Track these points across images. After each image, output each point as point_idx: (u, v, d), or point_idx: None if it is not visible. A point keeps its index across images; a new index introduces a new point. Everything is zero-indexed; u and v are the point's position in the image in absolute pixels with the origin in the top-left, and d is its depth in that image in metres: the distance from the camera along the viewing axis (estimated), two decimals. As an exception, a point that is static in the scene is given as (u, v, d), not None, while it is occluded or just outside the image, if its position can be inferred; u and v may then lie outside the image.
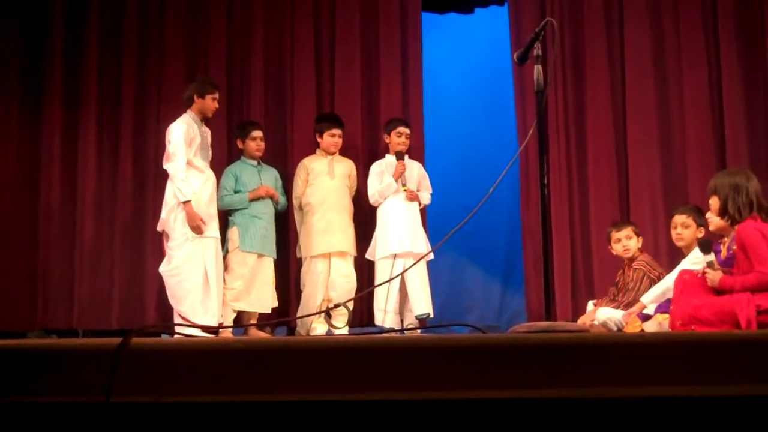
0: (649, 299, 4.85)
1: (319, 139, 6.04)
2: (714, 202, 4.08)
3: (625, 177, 6.19)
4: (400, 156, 5.91)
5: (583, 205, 6.18)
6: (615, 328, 4.89)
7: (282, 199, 5.99)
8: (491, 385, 1.64)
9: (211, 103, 5.55)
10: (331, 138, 5.99)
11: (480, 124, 7.01)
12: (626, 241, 5.24)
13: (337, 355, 1.67)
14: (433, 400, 1.65)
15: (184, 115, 5.52)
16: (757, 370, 1.62)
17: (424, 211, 6.10)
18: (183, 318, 5.27)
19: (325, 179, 5.96)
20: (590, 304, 5.36)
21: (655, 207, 6.07)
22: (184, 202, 5.35)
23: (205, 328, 4.96)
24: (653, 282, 5.05)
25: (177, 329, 4.70)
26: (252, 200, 5.80)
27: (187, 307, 5.33)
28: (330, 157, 6.03)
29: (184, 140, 5.37)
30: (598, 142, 6.19)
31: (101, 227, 6.22)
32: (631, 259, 5.22)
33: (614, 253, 5.33)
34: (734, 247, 4.06)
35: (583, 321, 5.12)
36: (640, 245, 5.27)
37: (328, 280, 5.87)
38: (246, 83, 6.40)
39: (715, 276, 4.04)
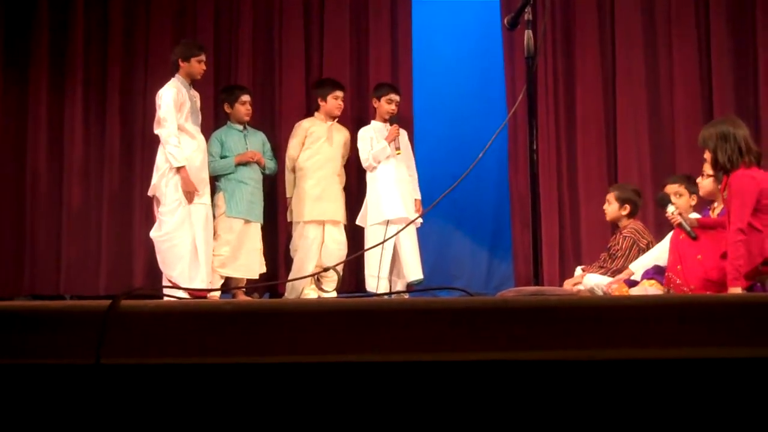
0: (637, 268, 4.88)
1: (322, 103, 5.98)
2: (707, 155, 4.05)
3: (613, 144, 6.20)
4: (393, 120, 5.92)
5: (571, 171, 6.20)
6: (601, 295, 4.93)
7: (270, 164, 5.97)
8: (480, 347, 1.65)
9: (197, 66, 5.50)
10: (335, 100, 5.96)
11: (469, 90, 6.98)
12: (606, 205, 5.31)
13: (326, 317, 1.68)
14: (421, 362, 1.65)
15: (172, 79, 5.47)
16: (742, 333, 1.63)
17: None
18: (173, 284, 5.27)
19: (324, 145, 5.94)
20: (578, 270, 5.40)
21: (642, 175, 6.09)
22: (179, 168, 5.32)
23: (192, 292, 4.96)
24: (642, 250, 5.09)
25: (165, 292, 4.71)
26: (238, 164, 5.77)
27: (178, 273, 5.33)
28: (330, 123, 6.00)
29: (174, 105, 5.33)
30: (587, 109, 6.20)
31: (88, 193, 6.19)
32: (623, 226, 5.25)
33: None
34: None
35: (569, 285, 5.16)
36: (625, 213, 5.29)
37: (321, 247, 5.88)
38: (234, 48, 6.35)
39: (692, 222, 4.17)
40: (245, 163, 5.79)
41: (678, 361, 1.63)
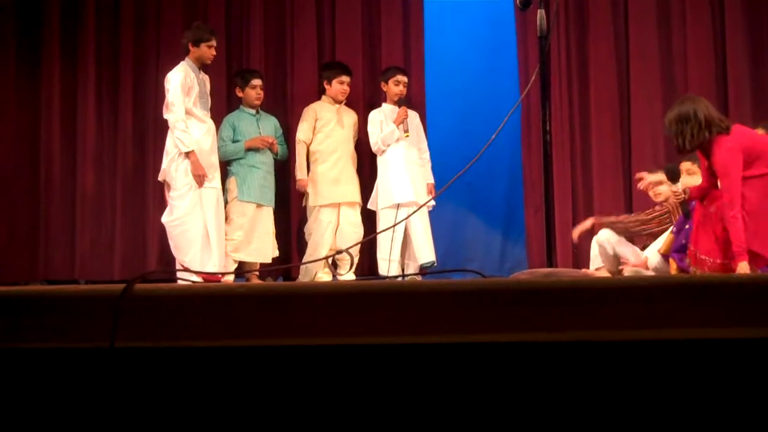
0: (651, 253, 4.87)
1: (327, 86, 5.99)
2: (677, 147, 4.01)
3: (627, 125, 6.17)
4: (402, 102, 5.90)
5: (585, 152, 6.17)
6: (610, 252, 4.94)
7: (281, 149, 5.97)
8: (493, 329, 1.65)
9: (207, 50, 5.48)
10: (340, 85, 5.95)
11: (481, 73, 6.94)
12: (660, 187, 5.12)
13: (339, 299, 1.68)
14: (435, 345, 1.65)
15: (182, 63, 5.47)
16: (754, 313, 1.63)
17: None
18: (185, 268, 5.29)
19: (336, 128, 5.94)
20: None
21: (657, 155, 6.06)
22: (187, 153, 5.33)
23: (206, 276, 4.99)
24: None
25: (180, 275, 4.73)
26: (248, 150, 5.77)
27: (190, 257, 5.35)
28: (337, 105, 6.00)
29: (182, 89, 5.33)
30: (601, 90, 6.16)
31: (102, 178, 6.22)
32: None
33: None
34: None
35: (577, 232, 5.12)
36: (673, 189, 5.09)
37: (336, 230, 5.88)
38: (246, 32, 6.34)
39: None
40: (256, 148, 5.79)
41: (692, 341, 1.63)
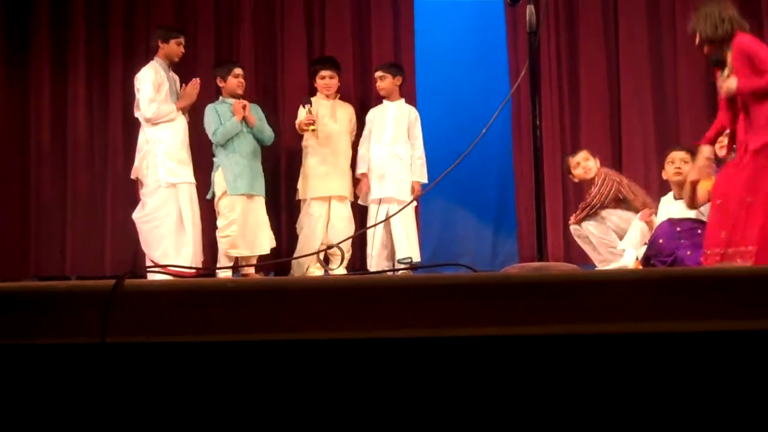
0: (630, 242, 4.89)
1: (315, 83, 5.99)
2: (698, 40, 4.02)
3: (617, 119, 6.19)
4: (306, 101, 5.82)
5: (575, 147, 6.18)
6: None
7: (262, 125, 5.88)
8: (483, 322, 1.65)
9: (176, 48, 5.58)
10: (321, 80, 5.95)
11: (471, 67, 6.95)
12: (585, 162, 5.32)
13: (330, 294, 1.68)
14: (425, 338, 1.66)
15: (151, 61, 5.56)
16: (750, 305, 1.63)
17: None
18: (154, 263, 5.32)
19: (329, 123, 5.93)
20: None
21: (647, 151, 6.09)
22: (178, 108, 5.46)
23: (200, 271, 4.99)
24: (617, 185, 5.19)
25: (168, 270, 4.73)
26: (239, 118, 5.70)
27: (160, 253, 5.38)
28: (332, 101, 5.98)
29: (153, 86, 5.42)
30: (591, 85, 6.18)
31: (92, 174, 6.22)
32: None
33: (576, 180, 5.46)
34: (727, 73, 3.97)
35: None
36: (598, 165, 5.41)
37: (327, 224, 5.88)
38: (235, 28, 6.35)
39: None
40: (238, 136, 5.72)
41: (684, 334, 1.63)
